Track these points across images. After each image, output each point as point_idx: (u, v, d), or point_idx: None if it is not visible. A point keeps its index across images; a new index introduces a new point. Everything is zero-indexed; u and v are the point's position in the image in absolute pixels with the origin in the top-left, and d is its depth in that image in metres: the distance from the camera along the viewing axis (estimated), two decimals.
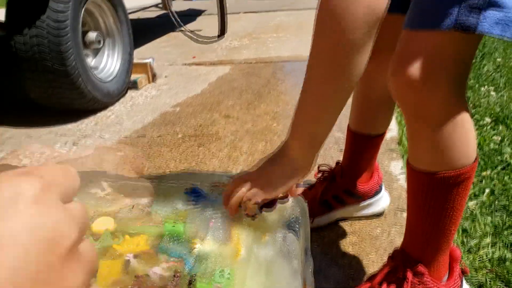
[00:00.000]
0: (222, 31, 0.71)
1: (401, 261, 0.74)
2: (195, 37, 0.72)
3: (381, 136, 1.02)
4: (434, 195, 0.65)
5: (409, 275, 0.72)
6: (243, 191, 0.56)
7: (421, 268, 0.71)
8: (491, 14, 0.50)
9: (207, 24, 4.33)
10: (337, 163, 1.08)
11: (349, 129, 1.03)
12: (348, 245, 1.02)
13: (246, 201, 0.55)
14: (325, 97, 0.54)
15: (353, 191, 1.06)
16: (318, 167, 1.10)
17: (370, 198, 1.08)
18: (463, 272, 0.78)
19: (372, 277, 0.77)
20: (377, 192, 1.09)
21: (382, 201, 1.11)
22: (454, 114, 0.60)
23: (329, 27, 0.50)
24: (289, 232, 0.63)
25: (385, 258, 0.98)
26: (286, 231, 0.63)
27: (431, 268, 0.73)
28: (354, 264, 0.96)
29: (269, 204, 0.63)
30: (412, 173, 0.68)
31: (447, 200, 0.64)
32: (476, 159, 0.65)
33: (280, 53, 3.01)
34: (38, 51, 1.72)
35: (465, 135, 0.62)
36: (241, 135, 1.69)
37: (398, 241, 1.03)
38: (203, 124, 1.82)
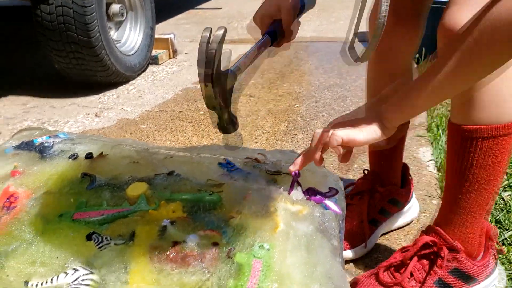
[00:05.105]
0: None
1: (436, 237, 0.71)
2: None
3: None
4: (471, 151, 0.65)
5: (445, 251, 0.70)
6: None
7: (457, 245, 0.70)
8: None
9: (225, 1, 4.25)
10: (369, 171, 0.95)
11: None
12: None
13: (331, 133, 0.54)
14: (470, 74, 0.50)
15: (398, 198, 0.95)
16: (346, 186, 0.95)
17: (408, 203, 0.97)
18: (499, 253, 0.75)
19: (403, 249, 0.75)
20: (412, 196, 0.98)
21: (415, 206, 1.00)
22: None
23: None
24: (327, 209, 0.61)
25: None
26: (323, 208, 0.61)
27: (464, 245, 0.71)
28: (382, 249, 0.93)
29: (318, 195, 0.63)
30: (453, 128, 0.67)
31: (486, 157, 0.63)
32: None
33: (303, 34, 2.93)
34: (63, 21, 1.70)
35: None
36: (263, 115, 1.66)
37: None
38: None
